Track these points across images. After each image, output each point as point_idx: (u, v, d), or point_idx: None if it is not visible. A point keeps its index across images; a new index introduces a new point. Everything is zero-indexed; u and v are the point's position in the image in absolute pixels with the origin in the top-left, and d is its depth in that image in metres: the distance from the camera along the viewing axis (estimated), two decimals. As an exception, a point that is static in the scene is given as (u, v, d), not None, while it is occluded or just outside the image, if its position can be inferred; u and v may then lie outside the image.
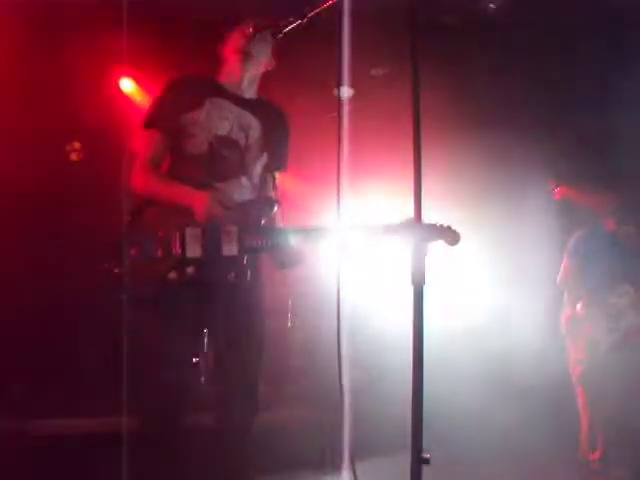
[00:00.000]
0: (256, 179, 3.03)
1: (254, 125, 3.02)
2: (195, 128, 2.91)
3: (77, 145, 5.47)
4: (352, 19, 2.46)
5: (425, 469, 1.99)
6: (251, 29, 2.94)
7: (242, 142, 2.97)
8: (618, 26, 4.91)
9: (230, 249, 2.78)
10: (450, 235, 2.82)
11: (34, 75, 5.07)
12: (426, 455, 2.01)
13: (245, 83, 3.04)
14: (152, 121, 2.97)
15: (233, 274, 2.79)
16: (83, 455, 3.74)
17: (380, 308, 5.18)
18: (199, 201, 2.78)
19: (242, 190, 2.95)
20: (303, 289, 5.45)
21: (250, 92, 3.07)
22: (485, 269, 5.56)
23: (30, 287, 5.05)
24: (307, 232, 2.83)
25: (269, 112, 3.11)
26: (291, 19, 2.91)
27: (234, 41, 3.00)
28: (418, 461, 2.02)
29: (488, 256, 5.47)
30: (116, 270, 2.80)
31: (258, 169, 3.04)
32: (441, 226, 2.80)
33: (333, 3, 2.66)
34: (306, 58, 4.58)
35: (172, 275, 2.75)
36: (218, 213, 2.77)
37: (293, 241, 2.85)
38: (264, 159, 3.05)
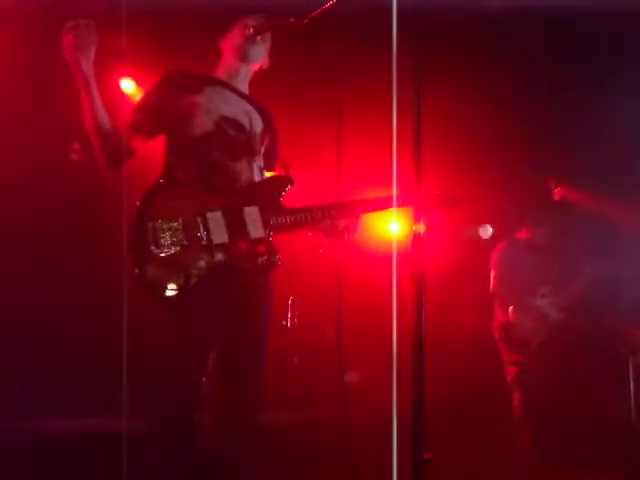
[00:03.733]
0: (261, 164, 3.03)
1: (254, 116, 3.02)
2: (197, 110, 2.88)
3: (77, 145, 5.46)
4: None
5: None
6: (252, 30, 2.94)
7: (247, 127, 2.97)
8: (618, 27, 4.94)
9: (257, 231, 2.73)
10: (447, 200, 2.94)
11: (34, 75, 5.07)
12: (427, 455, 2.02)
13: (240, 78, 3.04)
14: (139, 107, 2.96)
15: (265, 258, 2.74)
16: (83, 455, 3.74)
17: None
18: None
19: (252, 172, 2.93)
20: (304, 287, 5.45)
21: (243, 88, 3.07)
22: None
23: (41, 287, 5.07)
24: (321, 210, 2.82)
25: (263, 109, 3.11)
26: (292, 20, 2.91)
27: (234, 40, 3.01)
28: (418, 461, 2.02)
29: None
30: (136, 270, 2.63)
31: (260, 159, 3.03)
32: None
33: (333, 4, 2.67)
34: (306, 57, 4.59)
35: (202, 264, 2.68)
36: None
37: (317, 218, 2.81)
38: (263, 150, 3.05)
